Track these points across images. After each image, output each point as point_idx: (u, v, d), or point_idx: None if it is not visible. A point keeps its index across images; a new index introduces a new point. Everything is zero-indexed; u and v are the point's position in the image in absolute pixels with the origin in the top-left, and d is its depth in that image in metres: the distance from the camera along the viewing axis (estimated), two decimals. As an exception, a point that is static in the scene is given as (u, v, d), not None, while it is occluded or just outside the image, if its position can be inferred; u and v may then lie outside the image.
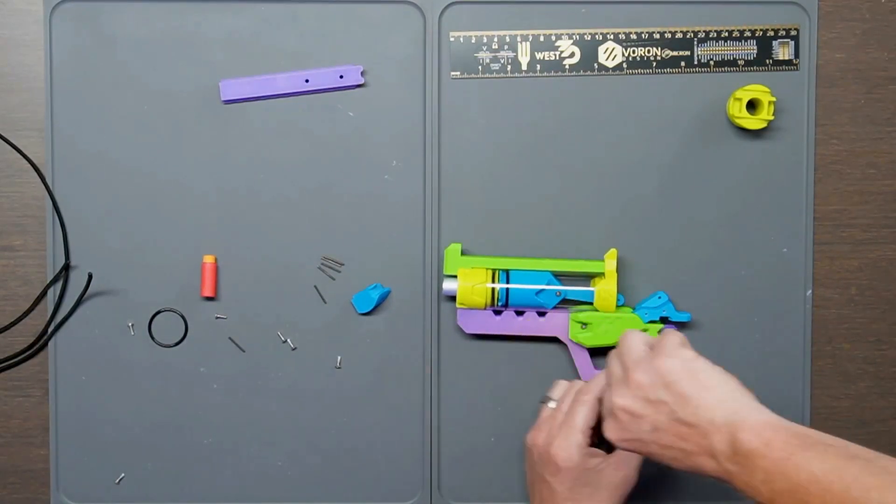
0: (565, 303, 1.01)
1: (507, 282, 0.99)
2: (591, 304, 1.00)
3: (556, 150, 1.02)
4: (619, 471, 0.90)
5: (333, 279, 1.02)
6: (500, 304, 0.99)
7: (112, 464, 1.02)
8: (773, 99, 0.99)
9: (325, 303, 1.02)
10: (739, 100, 0.99)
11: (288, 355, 1.02)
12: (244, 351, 1.02)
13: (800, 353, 1.03)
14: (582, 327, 0.99)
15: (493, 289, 0.99)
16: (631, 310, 1.00)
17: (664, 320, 1.00)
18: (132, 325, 1.02)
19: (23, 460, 1.03)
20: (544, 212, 1.02)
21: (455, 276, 0.99)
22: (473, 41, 1.01)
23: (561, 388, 0.96)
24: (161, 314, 1.01)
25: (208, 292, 1.01)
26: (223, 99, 1.00)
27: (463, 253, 1.01)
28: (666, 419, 0.80)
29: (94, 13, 1.00)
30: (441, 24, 1.01)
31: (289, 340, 1.02)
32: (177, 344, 1.02)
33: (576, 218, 1.02)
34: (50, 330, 1.01)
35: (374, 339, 1.02)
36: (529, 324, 1.00)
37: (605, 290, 0.99)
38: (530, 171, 1.02)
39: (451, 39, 1.01)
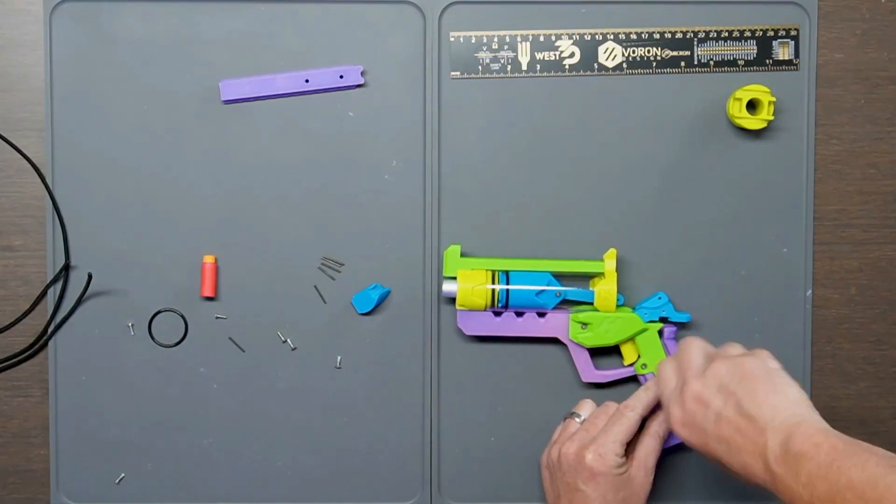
0: (565, 303, 1.01)
1: (507, 283, 0.99)
2: (591, 304, 1.00)
3: (556, 150, 1.02)
4: (640, 470, 0.93)
5: (333, 279, 1.02)
6: (500, 305, 0.99)
7: (112, 464, 1.01)
8: (773, 99, 0.98)
9: (325, 303, 1.02)
10: (739, 100, 0.98)
11: (288, 355, 1.02)
12: (244, 351, 1.02)
13: (800, 353, 1.03)
14: (582, 327, 0.99)
15: (492, 290, 0.98)
16: (631, 310, 1.00)
17: (664, 320, 1.00)
18: (132, 325, 1.01)
19: (23, 460, 1.03)
20: (544, 212, 1.02)
21: (455, 278, 0.99)
22: (473, 41, 1.01)
23: (588, 405, 0.99)
24: (161, 314, 1.01)
25: (208, 292, 1.00)
26: (223, 99, 1.00)
27: (462, 254, 1.01)
28: (731, 409, 0.82)
29: (94, 13, 1.00)
30: (441, 24, 1.01)
31: (289, 340, 1.02)
32: (177, 344, 1.02)
33: (576, 218, 1.02)
34: (50, 330, 1.01)
35: (374, 339, 1.02)
36: (529, 325, 1.00)
37: (605, 289, 0.99)
38: (530, 172, 1.02)
39: (451, 39, 1.01)
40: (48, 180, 1.00)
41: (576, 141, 1.02)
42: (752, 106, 1.00)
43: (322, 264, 1.02)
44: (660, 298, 1.00)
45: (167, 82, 1.00)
